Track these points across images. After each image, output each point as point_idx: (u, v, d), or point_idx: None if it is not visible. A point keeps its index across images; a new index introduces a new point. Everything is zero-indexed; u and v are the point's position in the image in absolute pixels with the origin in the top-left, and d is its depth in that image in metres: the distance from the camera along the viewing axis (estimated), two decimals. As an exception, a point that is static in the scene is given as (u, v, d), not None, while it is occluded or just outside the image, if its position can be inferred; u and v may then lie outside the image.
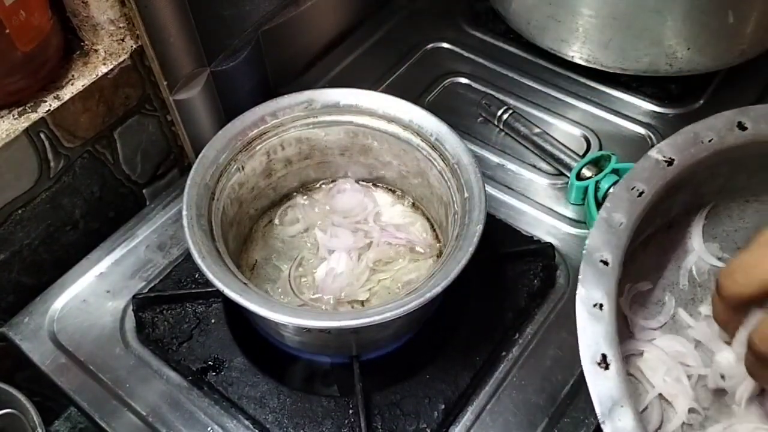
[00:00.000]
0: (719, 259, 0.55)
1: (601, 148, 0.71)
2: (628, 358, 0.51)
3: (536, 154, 0.71)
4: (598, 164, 0.65)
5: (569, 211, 0.67)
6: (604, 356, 0.39)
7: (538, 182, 0.69)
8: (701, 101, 0.75)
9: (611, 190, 0.51)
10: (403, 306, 0.46)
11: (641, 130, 0.73)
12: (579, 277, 0.42)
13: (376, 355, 0.56)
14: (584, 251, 0.43)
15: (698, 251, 0.55)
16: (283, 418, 0.53)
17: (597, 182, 0.64)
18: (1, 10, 0.52)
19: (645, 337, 0.51)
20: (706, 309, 0.53)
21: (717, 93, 0.76)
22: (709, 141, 0.49)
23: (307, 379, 0.56)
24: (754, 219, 0.56)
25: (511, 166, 0.71)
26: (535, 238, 0.63)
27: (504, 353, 0.57)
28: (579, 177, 0.65)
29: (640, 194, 0.46)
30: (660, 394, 0.49)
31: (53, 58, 0.60)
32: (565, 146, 0.69)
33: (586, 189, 0.64)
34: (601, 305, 0.41)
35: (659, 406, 0.49)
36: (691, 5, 0.67)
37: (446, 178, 0.56)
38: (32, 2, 0.54)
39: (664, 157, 0.48)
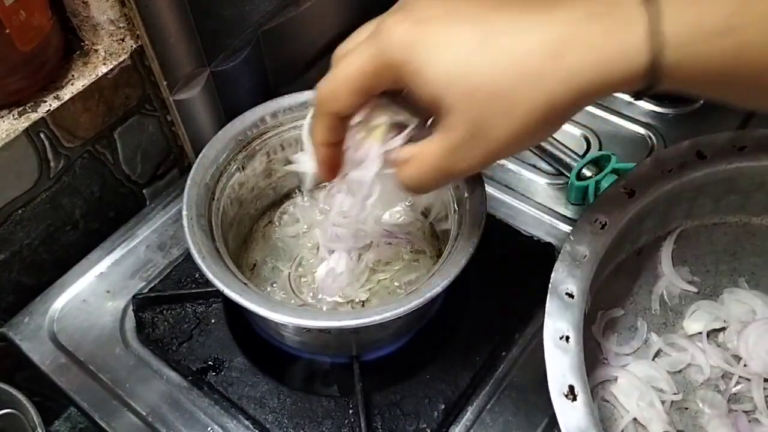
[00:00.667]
0: (690, 282, 0.56)
1: (601, 148, 0.71)
2: (602, 384, 0.52)
3: (536, 154, 0.71)
4: (598, 164, 0.65)
5: (569, 211, 0.67)
6: (571, 387, 0.40)
7: (538, 182, 0.69)
8: (701, 101, 0.75)
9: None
10: (403, 306, 0.46)
11: (641, 130, 0.73)
12: (545, 309, 0.43)
13: (376, 355, 0.56)
14: (550, 284, 0.44)
15: (668, 276, 0.55)
16: (283, 418, 0.53)
17: (597, 182, 0.64)
18: (1, 10, 0.52)
19: (618, 363, 0.52)
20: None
21: (717, 93, 0.76)
22: (669, 171, 0.50)
23: (307, 379, 0.56)
24: (722, 241, 0.56)
25: (511, 166, 0.71)
26: (535, 238, 0.63)
27: (504, 353, 0.57)
28: (579, 177, 0.65)
29: (603, 226, 0.47)
30: (635, 419, 0.49)
31: (53, 58, 0.60)
32: (565, 146, 0.69)
33: (586, 189, 0.64)
34: (567, 337, 0.42)
35: (634, 431, 0.49)
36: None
37: (446, 178, 0.56)
38: (32, 2, 0.54)
39: (625, 189, 0.49)
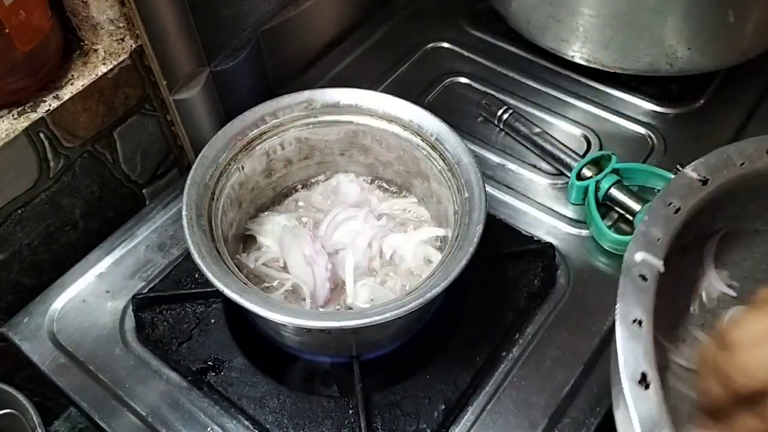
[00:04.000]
0: (729, 286, 0.55)
1: (601, 148, 0.71)
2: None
3: (536, 154, 0.71)
4: (598, 164, 0.65)
5: (569, 211, 0.67)
6: (644, 375, 0.38)
7: (538, 182, 0.69)
8: (702, 101, 0.75)
9: (646, 207, 0.50)
10: (403, 306, 0.46)
11: (641, 130, 0.73)
12: (618, 291, 0.41)
13: (376, 355, 0.56)
14: (623, 265, 0.43)
15: (709, 277, 0.55)
16: (283, 418, 0.53)
17: (597, 182, 0.64)
18: (1, 10, 0.52)
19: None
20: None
21: (717, 93, 0.76)
22: (741, 164, 0.49)
23: (307, 379, 0.56)
24: (762, 249, 0.56)
25: (512, 166, 0.71)
26: (535, 238, 0.63)
27: (504, 353, 0.57)
28: (579, 177, 0.65)
29: (677, 211, 0.46)
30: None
31: (53, 58, 0.60)
32: (565, 146, 0.69)
33: (586, 189, 0.64)
34: (640, 322, 0.40)
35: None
36: (691, 5, 0.67)
37: (446, 178, 0.56)
38: (32, 2, 0.54)
39: (699, 176, 0.48)
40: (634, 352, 0.39)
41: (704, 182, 0.48)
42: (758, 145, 0.50)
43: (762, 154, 0.49)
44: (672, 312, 0.54)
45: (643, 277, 0.42)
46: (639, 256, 0.43)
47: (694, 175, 0.48)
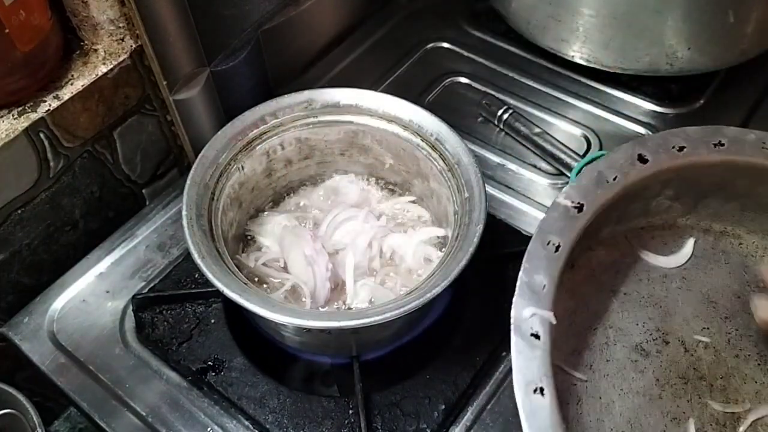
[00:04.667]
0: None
1: (601, 148, 0.71)
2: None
3: (536, 154, 0.71)
4: (598, 164, 0.65)
5: (569, 211, 0.67)
6: None
7: (538, 182, 0.69)
8: (701, 101, 0.75)
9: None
10: (403, 306, 0.46)
11: (641, 130, 0.73)
12: (512, 355, 0.39)
13: (376, 355, 0.56)
14: (512, 324, 0.40)
15: None
16: (283, 418, 0.53)
17: (597, 182, 0.64)
18: (1, 10, 0.52)
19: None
20: None
21: (717, 92, 0.76)
22: (614, 179, 0.47)
23: (307, 379, 0.56)
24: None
25: (512, 166, 0.71)
26: (535, 238, 0.63)
27: (504, 353, 0.57)
28: (579, 177, 0.65)
29: (557, 249, 0.44)
30: None
31: (53, 58, 0.60)
32: (565, 146, 0.69)
33: (586, 189, 0.64)
34: (542, 389, 0.38)
35: None
36: (691, 5, 0.67)
37: (446, 178, 0.56)
38: (32, 2, 0.54)
39: (573, 203, 0.46)
40: (540, 426, 0.37)
41: (579, 209, 0.45)
42: (627, 154, 0.48)
43: (633, 162, 0.47)
44: (575, 337, 0.51)
45: (536, 336, 0.39)
46: (527, 312, 0.40)
47: (568, 203, 0.46)
